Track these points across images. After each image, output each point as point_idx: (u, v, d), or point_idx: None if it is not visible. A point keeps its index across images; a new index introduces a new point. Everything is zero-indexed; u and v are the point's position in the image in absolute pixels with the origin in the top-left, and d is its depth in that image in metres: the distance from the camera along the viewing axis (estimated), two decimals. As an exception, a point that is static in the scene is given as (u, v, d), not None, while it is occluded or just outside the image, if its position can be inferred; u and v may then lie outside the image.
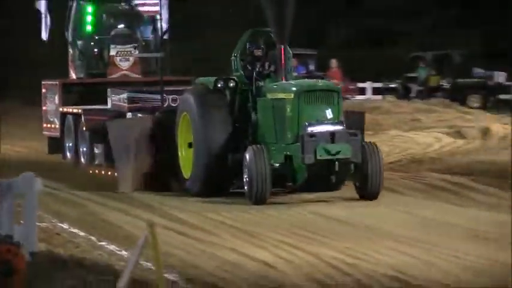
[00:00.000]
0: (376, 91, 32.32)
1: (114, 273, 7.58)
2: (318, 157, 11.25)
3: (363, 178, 11.72)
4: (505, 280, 7.21)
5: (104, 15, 16.30)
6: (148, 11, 14.67)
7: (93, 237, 9.93)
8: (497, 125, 19.92)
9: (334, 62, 25.93)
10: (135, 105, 14.04)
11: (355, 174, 11.78)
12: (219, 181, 12.45)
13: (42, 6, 16.52)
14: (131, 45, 15.82)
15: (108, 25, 16.22)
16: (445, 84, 30.34)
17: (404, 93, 30.41)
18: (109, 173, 14.10)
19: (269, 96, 12.31)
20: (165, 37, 16.02)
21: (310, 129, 11.48)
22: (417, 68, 30.72)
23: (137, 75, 15.96)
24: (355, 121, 12.40)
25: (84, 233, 10.22)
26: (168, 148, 12.93)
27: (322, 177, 11.81)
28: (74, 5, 16.26)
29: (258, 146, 11.70)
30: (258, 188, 11.43)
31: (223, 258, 8.59)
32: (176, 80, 15.90)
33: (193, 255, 8.82)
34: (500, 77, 31.33)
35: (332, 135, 11.43)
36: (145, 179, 13.04)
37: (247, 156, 11.55)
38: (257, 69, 12.63)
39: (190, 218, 11.21)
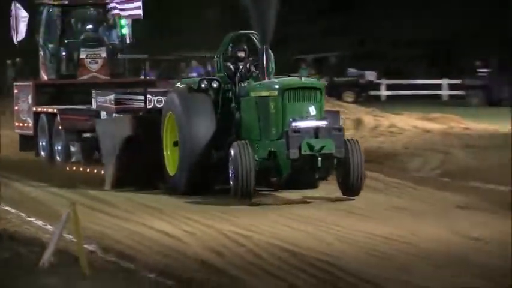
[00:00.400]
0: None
1: (41, 244, 8.80)
2: (303, 152, 11.34)
3: (345, 173, 11.83)
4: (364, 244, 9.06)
5: (74, 21, 16.98)
6: (130, 15, 14.94)
7: (22, 214, 11.37)
8: (369, 116, 22.49)
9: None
10: (122, 106, 14.44)
11: (338, 170, 11.89)
12: (204, 179, 12.64)
13: (13, 10, 17.29)
14: (100, 48, 16.74)
15: (78, 30, 17.00)
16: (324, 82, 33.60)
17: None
18: (87, 170, 14.57)
19: (252, 94, 12.51)
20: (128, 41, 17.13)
21: (294, 124, 11.63)
22: (299, 68, 33.45)
23: (106, 77, 16.75)
24: (330, 120, 12.27)
25: (14, 210, 11.63)
26: (153, 147, 13.12)
27: (305, 173, 11.90)
28: (45, 10, 16.88)
29: (243, 141, 11.86)
30: (243, 182, 11.52)
31: (134, 230, 10.12)
32: (130, 82, 16.88)
33: (109, 229, 10.23)
34: (370, 76, 37.21)
35: (316, 130, 11.59)
36: (131, 177, 13.30)
37: (232, 152, 11.72)
38: (240, 70, 12.90)
39: (112, 199, 12.53)
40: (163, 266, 8.18)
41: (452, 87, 37.69)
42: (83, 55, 16.58)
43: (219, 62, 13.05)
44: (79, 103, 16.08)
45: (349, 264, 8.09)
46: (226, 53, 13.13)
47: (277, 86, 12.14)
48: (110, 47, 16.95)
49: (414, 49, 40.69)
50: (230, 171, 11.82)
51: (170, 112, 12.98)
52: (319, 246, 9.06)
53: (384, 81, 38.38)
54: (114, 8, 15.33)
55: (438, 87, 38.39)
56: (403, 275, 7.68)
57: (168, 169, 13.07)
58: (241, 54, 13.06)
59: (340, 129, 11.92)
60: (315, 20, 41.70)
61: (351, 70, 37.18)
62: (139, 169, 13.24)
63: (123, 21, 16.59)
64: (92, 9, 17.09)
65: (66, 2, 16.81)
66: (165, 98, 13.79)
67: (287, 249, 8.81)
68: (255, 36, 13.02)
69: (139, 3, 14.30)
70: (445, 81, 38.14)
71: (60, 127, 15.51)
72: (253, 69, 12.96)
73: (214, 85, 12.86)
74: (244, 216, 10.90)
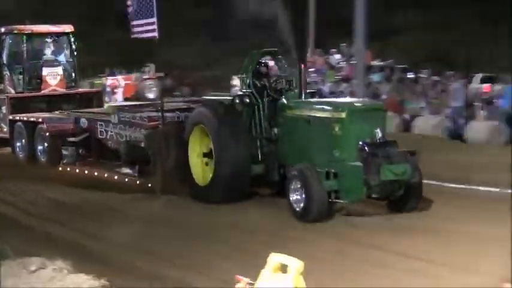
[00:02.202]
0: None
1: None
2: (383, 178, 10.89)
3: (405, 193, 11.47)
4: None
5: (35, 45, 20.83)
6: (147, 37, 15.10)
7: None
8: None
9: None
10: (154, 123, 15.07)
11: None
12: (240, 191, 12.85)
13: None
14: (57, 67, 20.88)
15: (39, 52, 20.85)
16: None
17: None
18: (77, 170, 16.58)
19: (304, 113, 12.28)
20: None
21: (368, 148, 11.12)
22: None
23: (63, 89, 20.72)
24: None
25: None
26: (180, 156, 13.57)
27: (382, 198, 11.50)
28: (8, 39, 20.71)
29: (307, 164, 11.54)
30: (318, 208, 11.19)
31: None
32: (83, 92, 21.62)
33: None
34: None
35: (393, 155, 11.15)
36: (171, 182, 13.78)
37: (302, 174, 11.36)
38: (266, 86, 13.16)
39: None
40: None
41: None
42: (44, 73, 20.60)
43: (248, 79, 13.26)
44: (44, 111, 19.62)
45: None
46: (253, 70, 13.35)
47: (344, 107, 11.73)
48: (65, 65, 20.99)
49: None
50: (295, 196, 11.50)
51: (201, 125, 13.21)
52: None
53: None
54: (133, 31, 15.54)
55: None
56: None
57: (195, 178, 13.37)
58: (265, 70, 13.39)
59: (414, 153, 11.43)
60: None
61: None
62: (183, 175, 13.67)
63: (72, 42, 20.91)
64: (49, 36, 20.92)
65: (29, 32, 20.63)
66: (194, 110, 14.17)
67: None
68: (277, 52, 13.63)
69: (155, 26, 14.76)
70: None
71: (46, 133, 17.95)
72: (282, 85, 13.24)
73: (247, 100, 13.11)
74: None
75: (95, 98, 21.38)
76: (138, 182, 14.71)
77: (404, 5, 37.93)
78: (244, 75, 13.50)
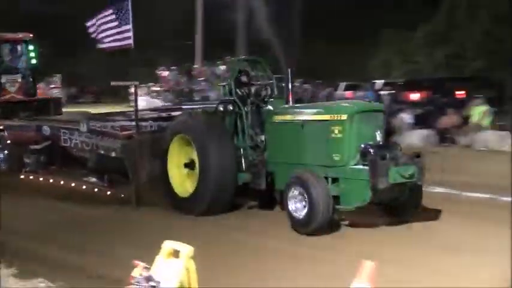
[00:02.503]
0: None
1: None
2: (391, 181, 10.25)
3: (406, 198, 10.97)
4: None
5: None
6: (121, 45, 14.35)
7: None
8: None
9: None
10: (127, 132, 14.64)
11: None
12: (225, 200, 12.31)
13: None
14: (16, 75, 20.60)
15: None
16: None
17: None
18: (40, 178, 15.94)
19: (296, 118, 11.66)
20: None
21: (373, 151, 10.47)
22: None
23: (21, 97, 20.47)
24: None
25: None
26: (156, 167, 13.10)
27: (388, 202, 10.90)
28: None
29: (309, 170, 10.90)
30: (322, 214, 10.44)
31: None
32: (42, 99, 21.53)
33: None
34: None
35: (400, 157, 10.59)
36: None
37: (305, 181, 10.62)
38: (251, 93, 12.74)
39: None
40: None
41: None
42: (3, 80, 20.40)
43: (231, 87, 12.85)
44: (1, 118, 19.00)
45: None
46: (234, 78, 12.96)
47: (345, 109, 11.05)
48: (22, 73, 20.79)
49: None
50: (293, 204, 10.80)
51: (183, 134, 12.70)
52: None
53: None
54: (103, 40, 14.71)
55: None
56: None
57: (175, 189, 12.82)
58: (245, 79, 13.00)
59: (419, 156, 10.83)
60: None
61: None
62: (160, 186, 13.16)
63: (31, 49, 20.69)
64: (8, 44, 20.63)
65: None
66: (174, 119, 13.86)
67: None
68: (257, 60, 13.24)
69: (130, 34, 14.01)
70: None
71: (7, 141, 17.52)
72: (264, 92, 12.84)
73: (231, 108, 12.70)
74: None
75: (53, 105, 21.04)
76: (108, 193, 14.18)
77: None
78: (226, 83, 13.14)
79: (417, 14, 37.41)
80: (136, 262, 5.89)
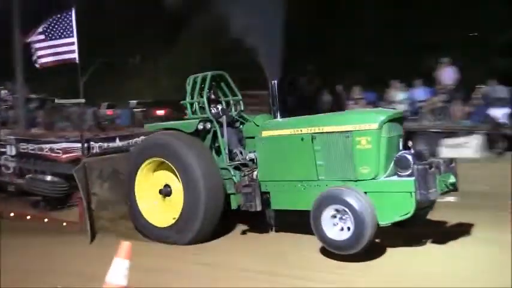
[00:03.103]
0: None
1: None
2: (439, 191, 9.54)
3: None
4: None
5: None
6: (65, 59, 13.34)
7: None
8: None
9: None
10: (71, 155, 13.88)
11: None
12: (214, 227, 11.13)
13: None
14: None
15: None
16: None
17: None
18: None
19: (299, 131, 10.50)
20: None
21: (414, 160, 9.54)
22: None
23: None
24: None
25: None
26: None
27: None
28: None
29: (352, 187, 9.67)
30: (371, 231, 9.28)
31: None
32: None
33: None
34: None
35: (440, 165, 9.81)
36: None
37: (351, 202, 9.33)
38: (219, 110, 11.98)
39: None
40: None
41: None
42: None
43: (203, 103, 11.79)
44: None
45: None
46: (206, 95, 11.92)
47: (374, 118, 9.99)
48: None
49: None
50: (329, 223, 9.54)
51: (157, 158, 11.43)
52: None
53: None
54: (44, 55, 13.54)
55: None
56: None
57: (149, 220, 11.53)
58: (212, 95, 12.15)
59: (452, 161, 10.23)
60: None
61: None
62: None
63: None
64: None
65: None
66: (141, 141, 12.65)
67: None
68: (223, 76, 12.26)
69: (74, 47, 13.12)
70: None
71: None
72: (237, 108, 12.24)
73: (209, 126, 11.62)
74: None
75: None
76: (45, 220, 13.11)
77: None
78: (196, 100, 11.94)
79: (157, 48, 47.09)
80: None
